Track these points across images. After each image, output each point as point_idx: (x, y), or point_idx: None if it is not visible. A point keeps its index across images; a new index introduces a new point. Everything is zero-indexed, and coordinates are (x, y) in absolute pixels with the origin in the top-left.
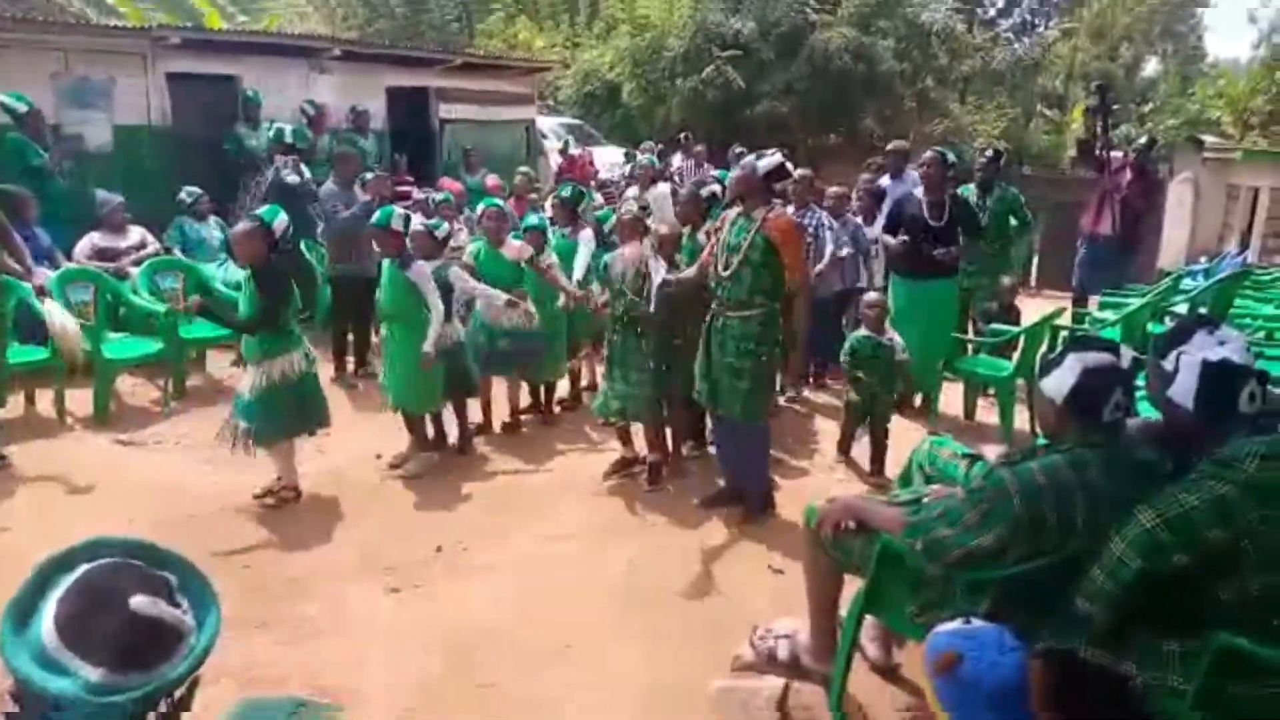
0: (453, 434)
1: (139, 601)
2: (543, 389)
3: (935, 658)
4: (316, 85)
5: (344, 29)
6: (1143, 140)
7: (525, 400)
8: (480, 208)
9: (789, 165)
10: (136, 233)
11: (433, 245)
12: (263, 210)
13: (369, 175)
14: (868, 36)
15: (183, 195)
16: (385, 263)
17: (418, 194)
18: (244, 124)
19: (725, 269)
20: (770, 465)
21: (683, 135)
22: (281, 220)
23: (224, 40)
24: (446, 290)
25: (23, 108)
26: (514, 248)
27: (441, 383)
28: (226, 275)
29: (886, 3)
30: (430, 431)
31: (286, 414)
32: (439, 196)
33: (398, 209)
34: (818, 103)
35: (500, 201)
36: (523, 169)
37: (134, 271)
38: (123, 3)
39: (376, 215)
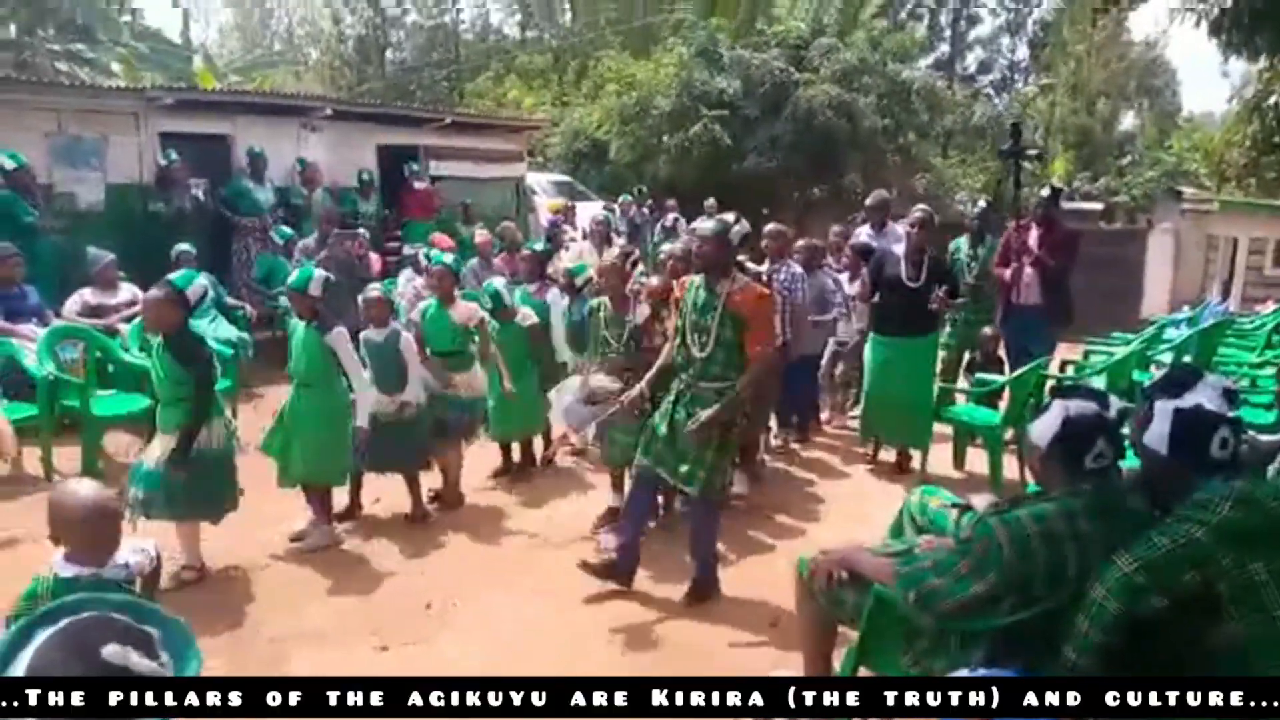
0: (393, 504)
1: (110, 651)
2: (517, 447)
3: None
4: (308, 143)
5: (334, 90)
6: (1044, 191)
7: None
8: (430, 266)
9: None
10: (127, 290)
11: (387, 312)
12: (176, 276)
13: (337, 233)
14: (849, 94)
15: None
16: (300, 325)
17: (408, 250)
18: (249, 179)
19: (700, 350)
20: (722, 537)
21: (669, 202)
22: (198, 285)
23: (216, 100)
24: (394, 358)
25: (11, 164)
26: (464, 309)
27: (347, 453)
28: (217, 332)
29: (867, 62)
30: (346, 501)
31: (191, 491)
32: (435, 254)
33: (318, 271)
34: (802, 158)
35: (449, 260)
36: (506, 223)
37: (124, 328)
38: (118, 61)
39: (293, 276)
